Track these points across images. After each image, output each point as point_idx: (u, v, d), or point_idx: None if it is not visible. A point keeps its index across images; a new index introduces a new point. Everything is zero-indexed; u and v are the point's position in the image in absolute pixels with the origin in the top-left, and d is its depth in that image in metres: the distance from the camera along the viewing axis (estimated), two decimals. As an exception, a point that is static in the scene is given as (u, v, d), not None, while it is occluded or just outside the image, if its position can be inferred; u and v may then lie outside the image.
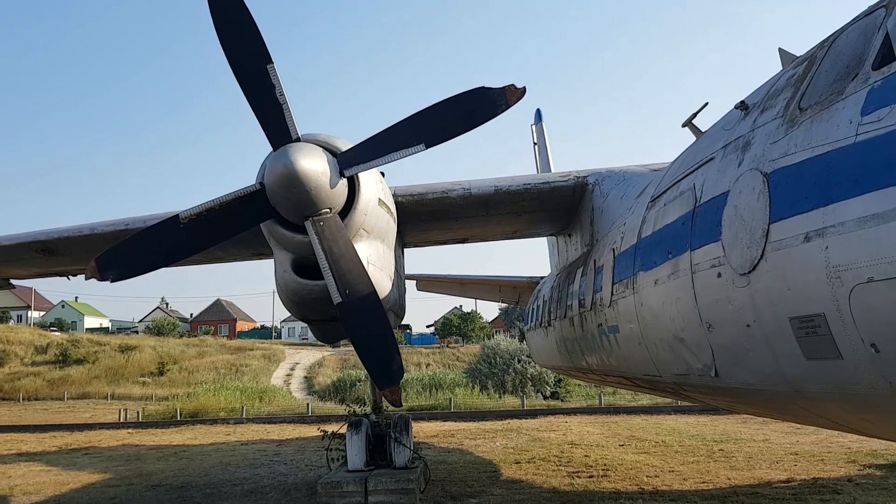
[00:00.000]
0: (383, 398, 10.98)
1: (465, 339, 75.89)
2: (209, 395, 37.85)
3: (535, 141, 25.73)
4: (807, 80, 4.77)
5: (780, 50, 5.77)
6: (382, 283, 8.69)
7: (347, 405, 18.12)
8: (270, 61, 7.35)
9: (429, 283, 25.19)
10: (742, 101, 5.71)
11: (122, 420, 31.29)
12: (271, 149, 7.45)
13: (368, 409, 13.76)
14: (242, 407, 32.79)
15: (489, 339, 51.25)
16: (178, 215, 7.30)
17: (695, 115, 6.93)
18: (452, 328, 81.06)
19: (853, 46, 4.41)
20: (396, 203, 9.93)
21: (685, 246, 5.84)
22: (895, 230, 3.54)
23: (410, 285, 22.84)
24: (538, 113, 25.92)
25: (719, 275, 5.21)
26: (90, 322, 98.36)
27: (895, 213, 3.55)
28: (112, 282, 7.39)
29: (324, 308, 7.83)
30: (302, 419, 29.16)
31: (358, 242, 7.93)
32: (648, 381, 8.04)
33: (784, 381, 4.87)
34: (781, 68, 5.63)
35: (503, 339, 46.00)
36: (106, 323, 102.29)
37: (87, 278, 7.44)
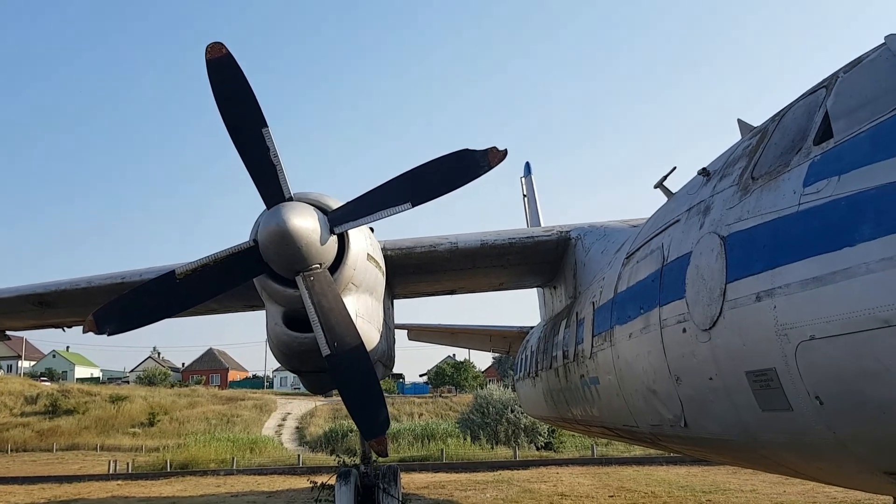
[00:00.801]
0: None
1: (459, 389, 75.50)
2: (200, 446, 37.56)
3: (525, 193, 26.29)
4: (759, 151, 5.19)
5: (739, 121, 6.20)
6: (370, 335, 8.96)
7: (337, 456, 18.18)
8: (265, 125, 7.75)
9: (420, 333, 25.36)
10: (704, 168, 6.12)
11: (111, 472, 31.03)
12: (265, 206, 7.82)
13: (358, 460, 13.86)
14: (233, 458, 32.62)
15: (482, 388, 51.10)
16: (174, 271, 7.60)
17: (664, 178, 7.34)
18: (445, 377, 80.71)
19: (799, 122, 4.83)
20: (386, 256, 10.27)
21: (655, 302, 6.18)
22: (831, 293, 3.89)
23: (402, 335, 23.14)
24: (527, 166, 26.54)
25: (684, 330, 5.54)
26: (81, 372, 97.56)
27: (832, 276, 3.90)
28: (109, 335, 7.65)
29: (313, 360, 8.07)
30: (293, 470, 29.01)
31: (347, 296, 8.23)
32: (627, 432, 8.29)
33: (745, 432, 5.16)
34: (740, 137, 6.06)
35: (496, 389, 45.90)
36: (97, 373, 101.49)
37: (84, 331, 7.69)
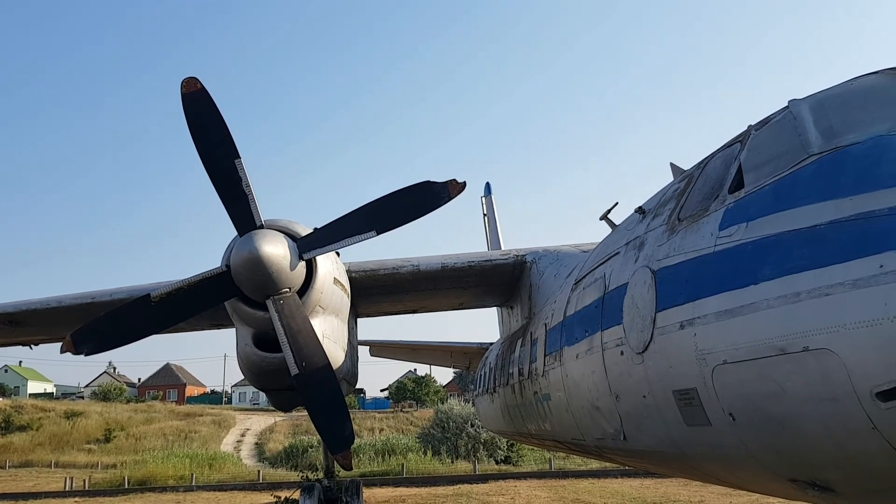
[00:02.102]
0: (335, 463, 11.57)
1: (420, 404, 75.82)
2: (158, 462, 37.27)
3: (485, 212, 26.98)
4: (685, 194, 5.85)
5: (671, 164, 6.89)
6: (336, 354, 9.45)
7: (301, 471, 18.49)
8: (238, 156, 8.24)
9: (382, 349, 25.72)
10: (640, 207, 6.79)
11: (67, 489, 30.70)
12: (237, 233, 8.29)
13: (321, 475, 14.24)
14: (192, 474, 32.47)
15: (443, 403, 51.52)
16: (149, 295, 8.01)
17: (608, 211, 8.01)
18: (407, 392, 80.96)
19: (718, 171, 5.51)
20: (351, 278, 10.77)
21: (598, 326, 6.80)
22: (739, 324, 4.53)
23: (364, 351, 23.54)
24: (487, 186, 27.25)
25: (622, 353, 6.16)
26: (34, 387, 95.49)
27: (740, 309, 4.53)
28: (87, 355, 8.02)
29: (281, 379, 8.52)
30: (253, 486, 29.06)
31: (314, 318, 8.71)
32: (576, 445, 8.90)
33: (674, 445, 5.78)
34: (672, 179, 6.74)
35: (456, 404, 46.39)
36: (50, 388, 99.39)
37: (62, 352, 8.04)
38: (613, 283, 6.61)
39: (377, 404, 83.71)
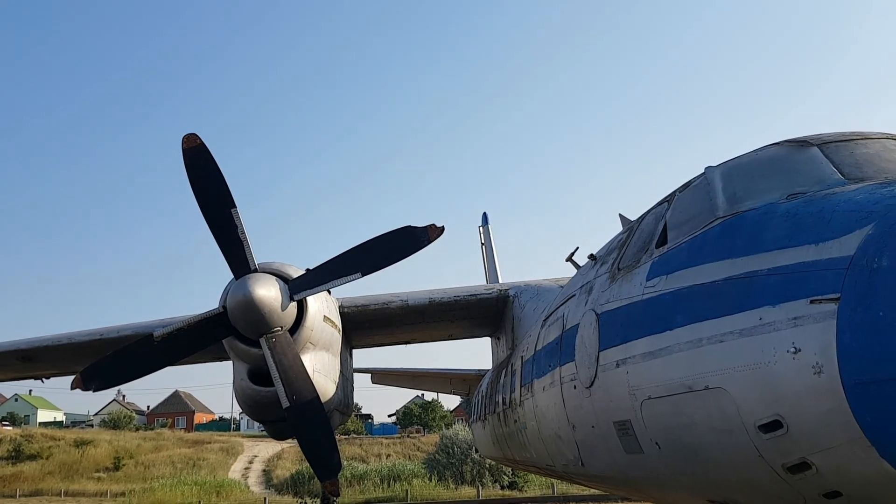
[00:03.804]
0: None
1: (427, 429, 76.06)
2: (166, 490, 37.91)
3: (483, 241, 27.75)
4: (625, 246, 6.57)
5: (620, 215, 7.59)
6: (326, 387, 10.13)
7: (300, 498, 19.07)
8: (234, 206, 8.98)
9: (383, 376, 26.38)
10: (592, 254, 7.50)
11: (77, 517, 31.31)
12: (233, 276, 9.01)
13: (319, 501, 14.83)
14: (199, 502, 33.05)
15: (448, 428, 51.88)
16: (152, 335, 8.72)
17: (572, 254, 8.70)
18: (413, 418, 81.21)
19: (650, 226, 6.22)
20: (343, 313, 11.48)
21: (557, 361, 7.49)
22: (659, 364, 5.21)
23: (366, 378, 24.20)
24: (485, 216, 28.04)
25: (575, 387, 6.83)
26: (44, 416, 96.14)
27: (660, 352, 5.22)
28: (94, 391, 8.74)
29: (274, 411, 9.18)
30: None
31: (305, 354, 9.40)
32: (549, 470, 9.53)
33: (618, 470, 6.44)
34: (621, 229, 7.45)
35: (461, 429, 46.71)
36: (60, 416, 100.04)
37: (72, 388, 8.76)
38: (569, 322, 7.30)
39: (385, 430, 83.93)
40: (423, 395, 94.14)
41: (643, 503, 7.77)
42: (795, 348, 4.04)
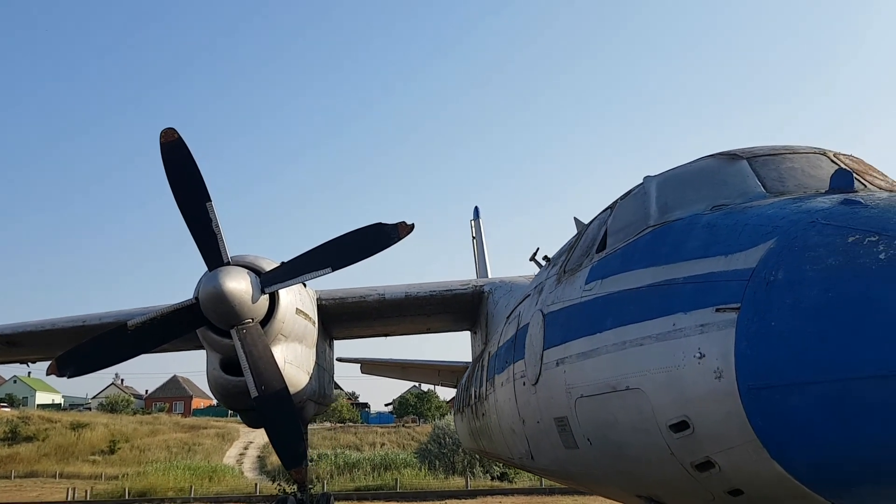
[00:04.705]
0: (307, 475, 12.47)
1: (422, 419, 76.49)
2: (159, 475, 38.17)
3: (474, 235, 27.97)
4: (573, 249, 6.81)
5: (575, 218, 7.82)
6: (298, 378, 10.40)
7: (278, 484, 19.34)
8: (209, 199, 9.22)
9: (373, 367, 26.69)
10: (546, 256, 7.75)
11: (69, 499, 31.70)
12: (206, 268, 9.26)
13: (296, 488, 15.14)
14: (191, 486, 33.40)
15: (442, 418, 52.23)
16: (126, 323, 8.99)
17: (535, 254, 8.96)
18: (409, 407, 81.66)
19: (594, 232, 6.45)
20: (321, 305, 11.74)
21: (512, 359, 7.75)
22: (590, 364, 5.46)
23: (354, 368, 24.50)
24: (476, 210, 28.26)
25: (524, 383, 7.09)
26: (42, 398, 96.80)
27: (591, 352, 5.46)
28: (69, 377, 9.01)
29: (245, 400, 9.46)
30: (248, 499, 29.99)
31: (276, 345, 9.66)
32: (509, 461, 9.82)
33: (560, 464, 6.70)
34: (575, 232, 7.69)
35: (453, 420, 47.00)
36: (58, 399, 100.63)
37: (48, 374, 9.07)
38: (523, 321, 7.55)
39: (381, 419, 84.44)
40: (419, 385, 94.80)
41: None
42: (701, 353, 4.29)
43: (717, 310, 4.23)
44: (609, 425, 5.30)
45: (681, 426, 4.51)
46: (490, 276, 22.12)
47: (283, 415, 9.04)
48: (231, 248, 9.41)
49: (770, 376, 3.88)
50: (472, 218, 28.46)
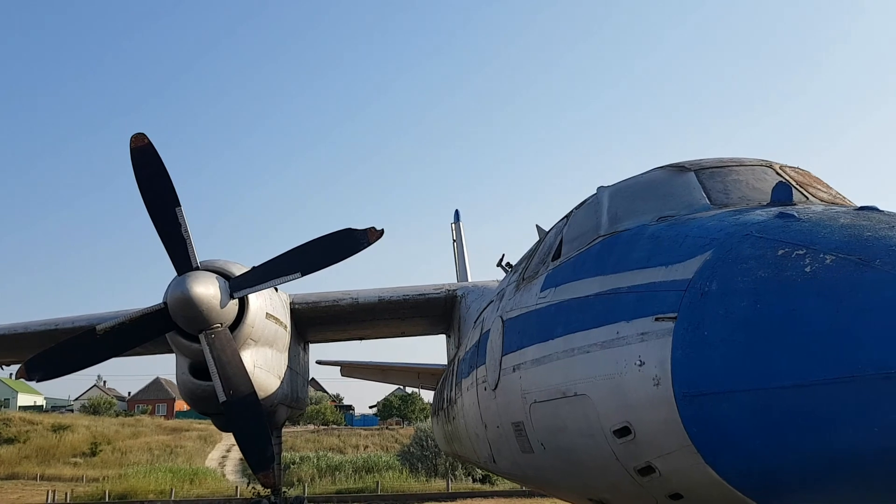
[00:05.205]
0: (277, 479, 12.52)
1: (406, 421, 76.51)
2: (140, 477, 38.02)
3: (454, 238, 28.08)
4: (532, 257, 6.94)
5: (537, 226, 7.95)
6: (268, 382, 10.45)
7: (252, 487, 19.32)
8: (178, 204, 9.26)
9: (353, 369, 26.70)
10: (509, 263, 7.87)
11: (49, 501, 31.50)
12: (175, 273, 9.30)
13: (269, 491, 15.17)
14: (172, 489, 33.29)
15: (424, 421, 52.32)
16: (94, 328, 9.02)
17: (500, 259, 9.08)
18: (393, 409, 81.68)
19: (552, 240, 6.58)
20: (295, 309, 11.79)
21: (475, 363, 7.86)
22: (543, 371, 5.58)
23: (335, 371, 24.50)
24: (456, 213, 28.39)
25: (485, 388, 7.20)
26: (24, 399, 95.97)
27: (544, 359, 5.59)
28: (38, 381, 9.03)
29: (214, 404, 9.50)
30: (228, 501, 29.93)
31: (245, 350, 9.72)
32: (475, 463, 9.93)
33: (518, 468, 6.82)
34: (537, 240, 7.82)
35: (436, 422, 47.01)
36: (40, 401, 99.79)
37: (16, 377, 9.08)
38: (486, 326, 7.68)
39: (365, 421, 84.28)
40: (404, 387, 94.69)
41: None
42: (641, 361, 4.41)
43: (657, 319, 4.36)
44: (560, 430, 5.42)
45: (623, 432, 4.63)
46: (470, 279, 22.24)
47: (250, 419, 9.10)
48: (211, 253, 9.52)
49: (703, 384, 4.01)
50: (452, 221, 28.58)
